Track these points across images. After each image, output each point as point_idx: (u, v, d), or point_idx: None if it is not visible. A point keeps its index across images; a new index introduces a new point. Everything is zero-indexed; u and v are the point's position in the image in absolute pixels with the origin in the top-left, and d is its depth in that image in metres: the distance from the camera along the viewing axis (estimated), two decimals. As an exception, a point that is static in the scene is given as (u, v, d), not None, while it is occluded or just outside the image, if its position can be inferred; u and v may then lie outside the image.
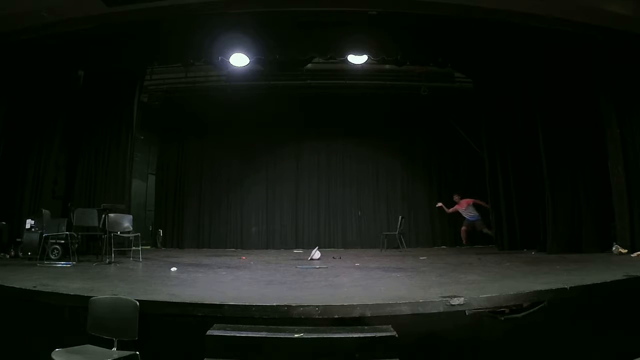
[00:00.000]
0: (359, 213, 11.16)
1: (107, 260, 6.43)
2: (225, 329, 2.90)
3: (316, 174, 11.46)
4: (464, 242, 9.62)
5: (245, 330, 2.89)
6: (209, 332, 2.86)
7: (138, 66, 8.87)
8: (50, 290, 3.64)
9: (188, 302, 3.26)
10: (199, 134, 11.42)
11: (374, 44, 7.62)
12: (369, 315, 3.05)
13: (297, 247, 10.59)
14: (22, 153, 7.71)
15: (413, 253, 8.74)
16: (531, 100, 7.80)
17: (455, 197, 9.68)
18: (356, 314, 3.06)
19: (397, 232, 9.92)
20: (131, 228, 6.92)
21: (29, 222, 6.79)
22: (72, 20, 6.66)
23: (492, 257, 7.12)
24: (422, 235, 10.95)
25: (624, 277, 3.80)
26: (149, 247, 10.06)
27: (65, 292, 3.57)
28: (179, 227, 11.07)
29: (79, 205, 7.71)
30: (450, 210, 9.62)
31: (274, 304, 3.12)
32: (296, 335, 2.78)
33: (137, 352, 2.89)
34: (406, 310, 3.10)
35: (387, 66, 9.70)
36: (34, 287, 3.72)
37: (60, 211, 7.99)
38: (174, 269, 5.73)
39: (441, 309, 3.13)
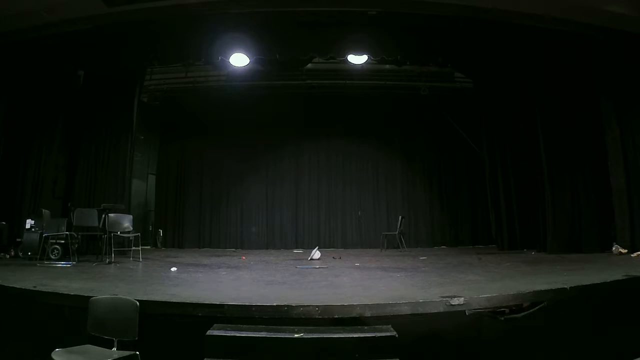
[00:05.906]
0: (359, 213, 11.15)
1: (107, 260, 6.43)
2: (225, 329, 2.90)
3: (316, 174, 11.44)
4: None
5: (245, 330, 2.89)
6: (209, 332, 2.86)
7: (138, 66, 8.86)
8: (50, 290, 3.64)
9: (188, 302, 3.26)
10: (199, 133, 11.39)
11: (374, 44, 7.62)
12: (369, 315, 3.05)
13: (297, 247, 10.58)
14: (22, 153, 7.71)
15: (413, 253, 8.74)
16: (531, 100, 7.80)
17: None
18: (356, 314, 3.06)
19: (397, 232, 9.91)
20: (131, 228, 6.92)
21: (29, 222, 6.79)
22: (72, 20, 6.65)
23: (492, 257, 7.12)
24: (422, 235, 10.94)
25: (624, 277, 3.80)
26: (149, 247, 10.06)
27: (65, 292, 3.57)
28: (179, 227, 11.07)
29: (79, 205, 7.70)
30: None
31: (274, 304, 3.12)
32: (296, 335, 2.78)
33: (137, 352, 2.89)
34: (406, 310, 3.10)
35: (387, 66, 9.69)
36: (34, 287, 3.72)
37: (60, 211, 7.97)
38: (174, 269, 5.73)
39: (441, 309, 3.13)
